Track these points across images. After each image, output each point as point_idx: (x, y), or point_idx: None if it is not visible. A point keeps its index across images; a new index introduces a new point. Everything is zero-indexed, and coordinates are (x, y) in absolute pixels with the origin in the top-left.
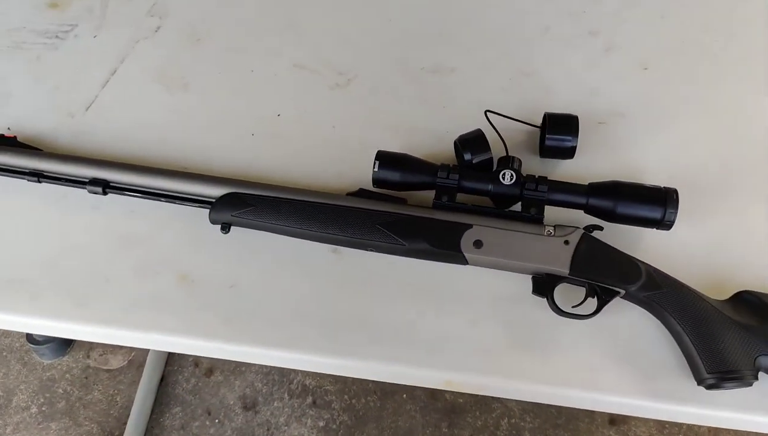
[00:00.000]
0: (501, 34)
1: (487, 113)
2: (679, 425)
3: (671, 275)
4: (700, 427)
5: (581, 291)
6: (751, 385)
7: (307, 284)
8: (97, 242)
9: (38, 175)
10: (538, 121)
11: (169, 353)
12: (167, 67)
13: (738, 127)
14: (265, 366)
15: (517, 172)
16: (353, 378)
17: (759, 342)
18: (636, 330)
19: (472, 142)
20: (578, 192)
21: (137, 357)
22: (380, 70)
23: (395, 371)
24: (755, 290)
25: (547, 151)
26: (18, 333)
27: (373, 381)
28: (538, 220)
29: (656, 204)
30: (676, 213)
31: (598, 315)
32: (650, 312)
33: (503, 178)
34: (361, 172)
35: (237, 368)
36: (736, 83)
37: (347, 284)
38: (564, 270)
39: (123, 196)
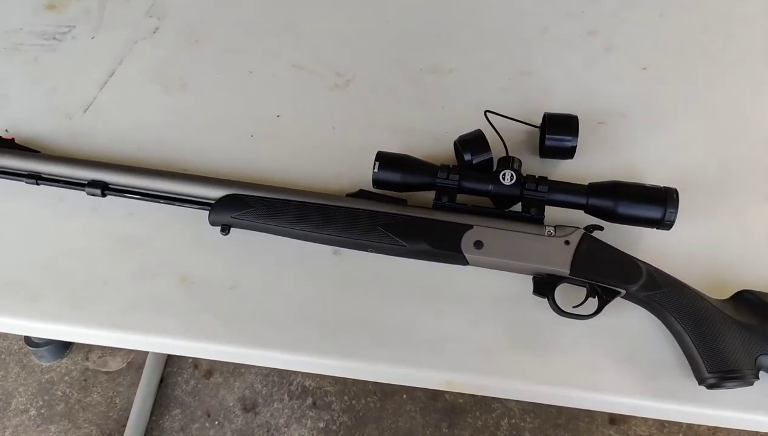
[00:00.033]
0: (500, 35)
1: (487, 113)
2: (679, 425)
3: (672, 274)
4: (699, 426)
5: (582, 291)
6: (752, 384)
7: (307, 285)
8: (96, 244)
9: (36, 178)
10: (538, 121)
11: (169, 355)
12: (165, 68)
13: (737, 128)
14: (265, 368)
15: (518, 172)
16: (353, 379)
17: (760, 341)
18: (637, 330)
19: (472, 142)
20: (578, 192)
21: (136, 359)
22: (379, 71)
23: (396, 372)
24: (756, 290)
25: (547, 152)
26: (16, 336)
27: (373, 382)
28: (538, 220)
29: (656, 204)
30: (677, 213)
31: (599, 315)
32: (651, 312)
33: (503, 179)
34: (361, 172)
35: (236, 370)
36: (735, 84)
37: (348, 285)
38: (564, 270)
39: (121, 198)
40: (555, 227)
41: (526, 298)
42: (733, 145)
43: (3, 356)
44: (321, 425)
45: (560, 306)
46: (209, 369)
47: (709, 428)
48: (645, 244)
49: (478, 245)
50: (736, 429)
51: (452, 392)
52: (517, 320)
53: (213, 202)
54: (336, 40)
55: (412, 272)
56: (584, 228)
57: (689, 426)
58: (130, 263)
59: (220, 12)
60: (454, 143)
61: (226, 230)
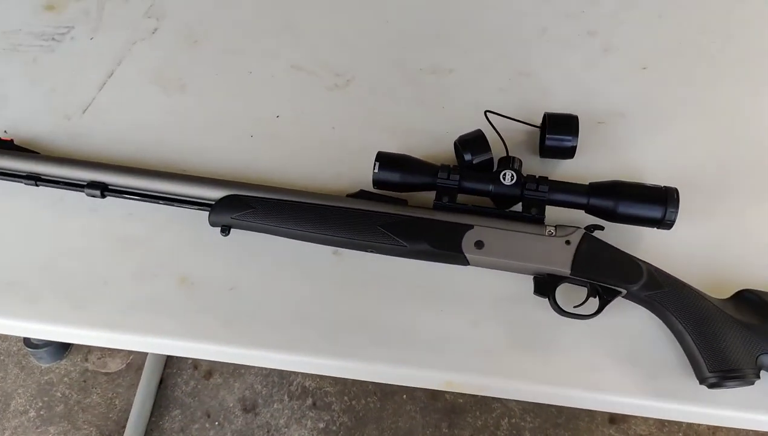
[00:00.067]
0: (499, 35)
1: (487, 114)
2: (679, 424)
3: (672, 274)
4: (699, 425)
5: (583, 291)
6: (753, 384)
7: (307, 285)
8: (95, 244)
9: (35, 179)
10: (538, 121)
11: (168, 356)
12: (164, 68)
13: (736, 128)
14: (265, 368)
15: (518, 172)
16: (353, 380)
17: (760, 341)
18: (638, 330)
19: (472, 142)
20: (579, 192)
21: (136, 360)
22: (378, 72)
23: (396, 372)
24: (756, 289)
25: (547, 151)
26: (15, 337)
27: (373, 382)
28: (539, 220)
29: (657, 203)
30: (677, 212)
31: (600, 315)
32: (652, 311)
33: (504, 179)
34: (360, 173)
35: (236, 370)
36: (734, 85)
37: (348, 285)
38: (565, 270)
39: (121, 199)
40: (556, 226)
41: (526, 298)
42: (732, 145)
43: (2, 358)
44: (321, 425)
45: (561, 306)
46: (209, 370)
47: (709, 427)
48: (646, 244)
49: (479, 245)
50: (736, 429)
51: (452, 392)
52: (518, 320)
53: (213, 203)
54: (335, 41)
55: (413, 272)
56: (585, 228)
57: (689, 425)
58: (130, 264)
59: (219, 13)
60: (455, 143)
61: (226, 230)
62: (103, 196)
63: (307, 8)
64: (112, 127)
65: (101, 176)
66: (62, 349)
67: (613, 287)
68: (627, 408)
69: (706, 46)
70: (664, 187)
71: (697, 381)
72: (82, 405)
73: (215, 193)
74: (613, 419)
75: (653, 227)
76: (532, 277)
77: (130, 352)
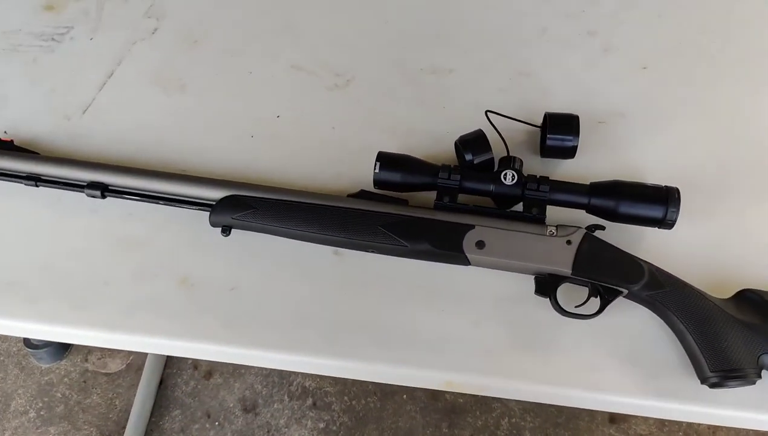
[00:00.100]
0: (499, 36)
1: (488, 113)
2: (679, 424)
3: (673, 274)
4: (699, 425)
5: (584, 291)
6: (754, 383)
7: (307, 286)
8: (95, 245)
9: (35, 179)
10: (538, 121)
11: (168, 356)
12: (164, 69)
13: (736, 128)
14: (265, 368)
15: (519, 172)
16: (353, 380)
17: (762, 340)
18: (639, 330)
19: (473, 142)
20: (580, 192)
21: (136, 360)
22: (378, 72)
23: (396, 372)
24: (757, 288)
25: (548, 151)
26: (15, 337)
27: (373, 382)
28: (540, 220)
29: (658, 203)
30: (678, 212)
31: (601, 315)
32: (653, 311)
33: (505, 179)
34: (360, 173)
35: (236, 371)
36: (734, 84)
37: (348, 285)
38: (566, 270)
39: (121, 199)
40: (557, 226)
41: (527, 298)
42: (732, 145)
43: (2, 358)
44: (321, 425)
45: (562, 306)
46: (209, 370)
47: (709, 427)
48: (647, 243)
49: (480, 245)
50: (737, 428)
51: (452, 392)
52: (519, 320)
53: (213, 203)
54: (335, 41)
55: (413, 272)
56: (586, 228)
57: (689, 425)
58: (130, 265)
59: (218, 13)
60: (455, 143)
61: (226, 231)
62: (103, 196)
63: (307, 8)
64: (112, 128)
65: (101, 177)
66: (62, 349)
67: (614, 287)
68: (628, 408)
69: (706, 46)
70: (665, 186)
71: (699, 381)
72: (82, 406)
73: (216, 194)
74: (614, 418)
75: (654, 227)
76: (533, 277)
77: (130, 352)
